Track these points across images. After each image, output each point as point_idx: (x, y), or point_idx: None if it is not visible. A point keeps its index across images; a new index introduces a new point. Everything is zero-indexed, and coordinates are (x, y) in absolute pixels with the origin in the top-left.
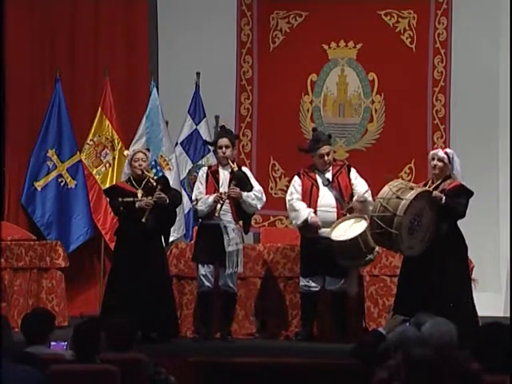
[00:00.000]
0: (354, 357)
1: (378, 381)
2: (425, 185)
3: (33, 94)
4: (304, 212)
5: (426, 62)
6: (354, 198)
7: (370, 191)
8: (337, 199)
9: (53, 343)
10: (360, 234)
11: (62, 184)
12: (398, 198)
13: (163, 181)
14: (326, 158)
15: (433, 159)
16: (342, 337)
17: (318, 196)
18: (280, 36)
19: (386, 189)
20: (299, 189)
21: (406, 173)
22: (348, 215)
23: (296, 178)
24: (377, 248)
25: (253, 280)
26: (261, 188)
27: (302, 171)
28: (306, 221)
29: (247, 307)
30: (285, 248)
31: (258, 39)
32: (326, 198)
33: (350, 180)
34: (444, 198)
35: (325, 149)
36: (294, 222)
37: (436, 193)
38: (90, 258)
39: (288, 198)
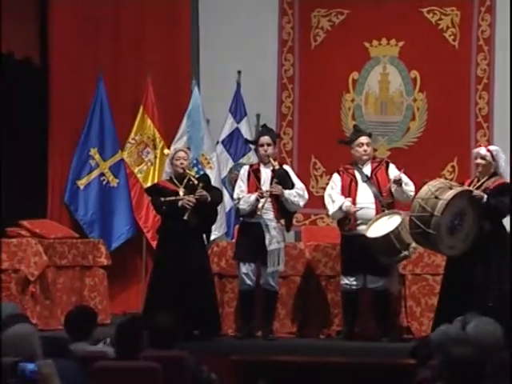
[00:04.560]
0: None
1: (420, 381)
2: (470, 183)
3: (76, 93)
4: (339, 201)
5: (469, 60)
6: (392, 177)
7: (412, 184)
8: (375, 196)
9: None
10: (392, 231)
11: (104, 182)
12: (436, 198)
13: (204, 179)
14: (365, 147)
15: (476, 157)
16: (383, 335)
17: (356, 192)
18: (321, 34)
19: (425, 188)
20: (338, 185)
21: (448, 171)
22: (386, 211)
23: (335, 174)
24: (413, 244)
25: (294, 278)
26: (303, 185)
27: (341, 168)
28: (340, 208)
29: (288, 306)
30: (326, 246)
31: (300, 37)
32: (365, 194)
33: (388, 176)
34: (486, 197)
35: (364, 138)
36: (330, 212)
37: (477, 192)
38: (132, 256)
39: (327, 193)
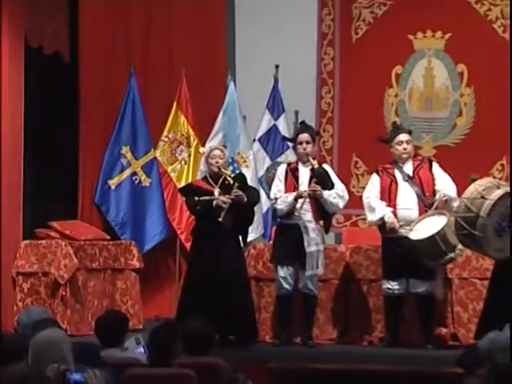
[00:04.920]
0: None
1: None
2: None
3: (107, 89)
4: (381, 210)
5: None
6: (436, 197)
7: (454, 187)
8: (418, 196)
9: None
10: (438, 232)
11: (136, 182)
12: (482, 197)
13: (241, 178)
14: (405, 145)
15: None
16: (428, 342)
17: (397, 193)
18: (363, 26)
19: (471, 188)
20: (377, 186)
21: (497, 170)
22: (430, 212)
23: (374, 175)
24: (459, 246)
25: (334, 282)
26: (343, 186)
27: (380, 168)
28: (382, 219)
29: (328, 311)
30: (368, 249)
31: (340, 30)
32: (407, 194)
33: (432, 175)
34: None
35: (404, 136)
36: (369, 219)
37: None
38: (165, 258)
39: (365, 196)
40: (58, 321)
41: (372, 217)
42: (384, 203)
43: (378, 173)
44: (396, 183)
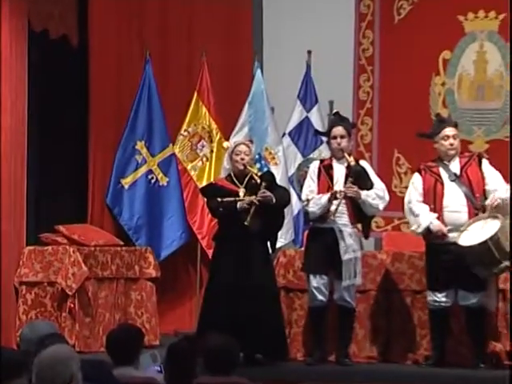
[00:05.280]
0: None
1: None
2: None
3: (119, 77)
4: (425, 218)
5: None
6: (487, 201)
7: (507, 187)
8: (467, 197)
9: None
10: (490, 238)
11: (152, 181)
12: None
13: (269, 177)
14: (451, 140)
15: None
16: (480, 361)
17: (443, 194)
18: (406, 6)
19: None
20: (420, 188)
21: None
22: (480, 214)
23: (416, 175)
24: None
25: (374, 293)
26: (383, 185)
27: (422, 166)
28: (427, 228)
29: (367, 325)
30: (411, 256)
31: (381, 10)
32: (454, 195)
33: (481, 173)
34: None
35: (450, 130)
36: (413, 228)
37: None
38: (184, 266)
39: (406, 200)
40: (65, 336)
41: (415, 226)
42: (427, 207)
43: (420, 172)
44: (441, 183)
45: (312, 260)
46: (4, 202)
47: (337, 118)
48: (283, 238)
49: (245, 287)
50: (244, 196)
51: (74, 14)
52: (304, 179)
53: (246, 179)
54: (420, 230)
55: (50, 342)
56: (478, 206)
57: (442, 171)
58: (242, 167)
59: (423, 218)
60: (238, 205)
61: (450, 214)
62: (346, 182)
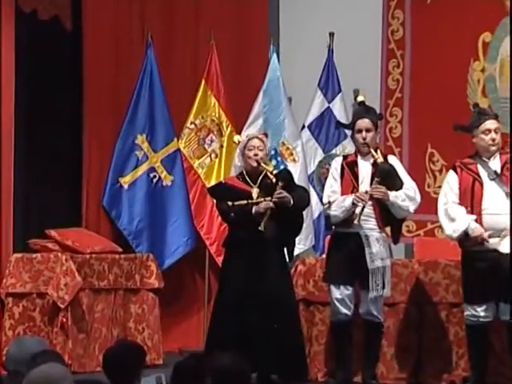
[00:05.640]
0: None
1: None
2: None
3: (117, 63)
4: (462, 221)
5: None
6: None
7: None
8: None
9: None
10: None
11: (154, 180)
12: None
13: (285, 176)
14: (493, 134)
15: None
16: None
17: (482, 195)
18: None
19: None
20: (456, 188)
21: None
22: None
23: (451, 173)
24: None
25: (404, 307)
26: (414, 184)
27: (458, 164)
28: (464, 233)
29: (397, 343)
30: (447, 265)
31: None
32: (494, 196)
33: None
34: None
35: (491, 123)
36: (448, 232)
37: None
38: (191, 276)
39: (441, 201)
40: (59, 354)
41: (451, 230)
42: (464, 210)
43: (455, 170)
44: (480, 183)
45: (335, 269)
46: None
47: (362, 109)
48: (302, 245)
49: (259, 299)
50: (257, 197)
51: None
52: (325, 178)
53: (260, 178)
54: (456, 235)
55: (42, 360)
56: None
57: (480, 169)
58: (255, 164)
59: (460, 221)
60: (254, 210)
61: (489, 216)
62: (372, 182)
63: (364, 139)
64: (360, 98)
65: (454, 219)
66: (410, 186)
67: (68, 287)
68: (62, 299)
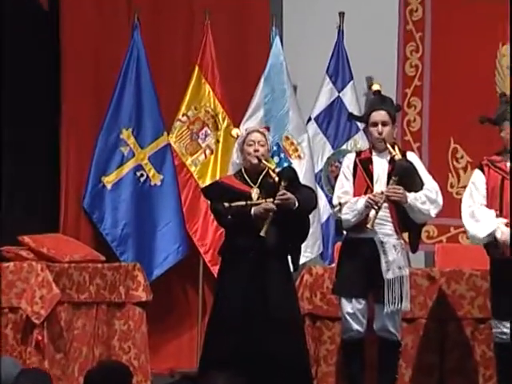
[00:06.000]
0: None
1: None
2: None
3: (100, 46)
4: (490, 223)
5: None
6: None
7: None
8: None
9: None
10: None
11: (141, 179)
12: None
13: (289, 174)
14: None
15: None
16: None
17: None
18: None
19: None
20: (482, 188)
21: None
22: None
23: (477, 172)
24: None
25: (425, 323)
26: (435, 185)
27: (485, 162)
28: (490, 236)
29: (417, 363)
30: (472, 274)
31: None
32: None
33: None
34: None
35: None
36: (472, 233)
37: None
38: (183, 288)
39: (465, 202)
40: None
41: (476, 231)
42: (493, 212)
43: (482, 169)
44: (510, 182)
45: (345, 279)
46: None
47: (378, 100)
48: (308, 252)
49: (259, 315)
50: (258, 198)
51: None
52: (335, 177)
53: (261, 177)
54: (482, 236)
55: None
56: None
57: (509, 167)
58: (255, 161)
59: (488, 222)
60: (253, 210)
61: None
62: (389, 181)
63: (380, 133)
64: (375, 87)
65: (481, 220)
66: (431, 186)
67: (44, 300)
68: (37, 314)
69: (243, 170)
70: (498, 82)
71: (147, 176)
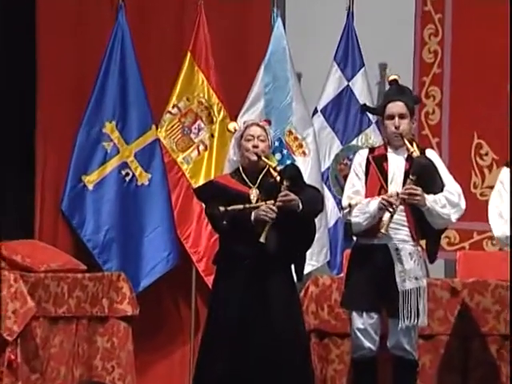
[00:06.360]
0: None
1: None
2: None
3: (79, 30)
4: None
5: None
6: None
7: None
8: None
9: None
10: None
11: (127, 179)
12: None
13: (293, 173)
14: None
15: None
16: None
17: None
18: None
19: None
20: (509, 187)
21: None
22: None
23: (505, 170)
24: None
25: (445, 339)
26: (458, 188)
27: None
28: None
29: (436, 383)
30: (498, 285)
31: None
32: None
33: None
34: None
35: None
36: (498, 234)
37: None
38: (173, 300)
39: (492, 203)
40: None
41: (504, 232)
42: None
43: (510, 166)
44: None
45: (356, 291)
46: None
47: (395, 90)
48: (314, 261)
49: (259, 331)
50: (257, 200)
51: None
52: (344, 176)
53: (261, 176)
54: (507, 235)
55: None
56: None
57: None
58: (254, 158)
59: None
60: (254, 215)
61: None
62: (405, 181)
63: (397, 127)
64: (393, 76)
65: (508, 221)
66: (453, 188)
67: (17, 315)
68: (9, 330)
69: (241, 168)
70: None
71: (133, 175)
